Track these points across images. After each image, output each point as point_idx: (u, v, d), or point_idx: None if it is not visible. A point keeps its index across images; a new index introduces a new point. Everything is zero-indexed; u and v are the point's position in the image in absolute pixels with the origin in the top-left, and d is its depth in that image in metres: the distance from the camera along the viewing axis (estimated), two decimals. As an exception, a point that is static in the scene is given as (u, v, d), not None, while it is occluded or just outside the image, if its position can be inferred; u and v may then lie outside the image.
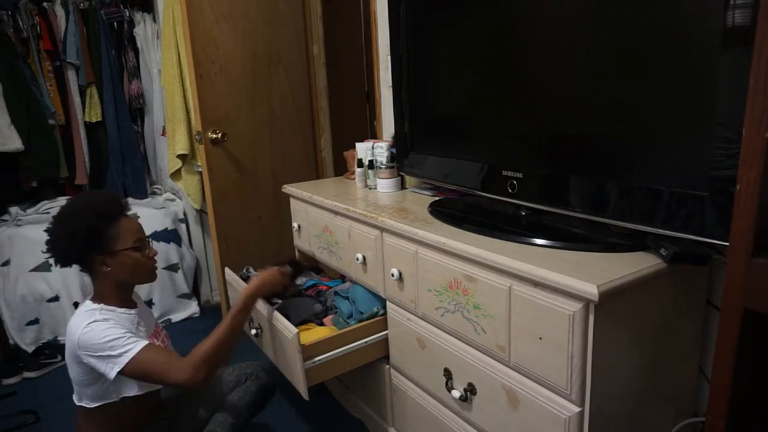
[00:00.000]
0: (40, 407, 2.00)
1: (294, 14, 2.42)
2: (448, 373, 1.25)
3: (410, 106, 1.57)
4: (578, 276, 0.89)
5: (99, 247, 1.26)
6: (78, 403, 1.30)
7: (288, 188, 1.94)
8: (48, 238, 1.27)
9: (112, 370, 1.18)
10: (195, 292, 2.90)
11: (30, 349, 2.37)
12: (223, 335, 1.28)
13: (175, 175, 2.65)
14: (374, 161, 1.74)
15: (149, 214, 2.68)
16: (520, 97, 1.19)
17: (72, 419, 1.36)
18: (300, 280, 1.89)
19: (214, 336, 1.27)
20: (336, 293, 1.70)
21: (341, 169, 2.23)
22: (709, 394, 0.64)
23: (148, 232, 2.55)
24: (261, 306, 1.56)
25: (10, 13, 2.55)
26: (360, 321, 1.50)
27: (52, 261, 1.27)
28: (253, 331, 1.64)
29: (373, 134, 2.46)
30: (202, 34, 2.11)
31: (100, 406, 1.28)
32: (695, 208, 0.87)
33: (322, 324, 1.62)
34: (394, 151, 1.70)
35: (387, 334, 1.50)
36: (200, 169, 2.46)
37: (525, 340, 1.01)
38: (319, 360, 1.41)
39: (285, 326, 1.41)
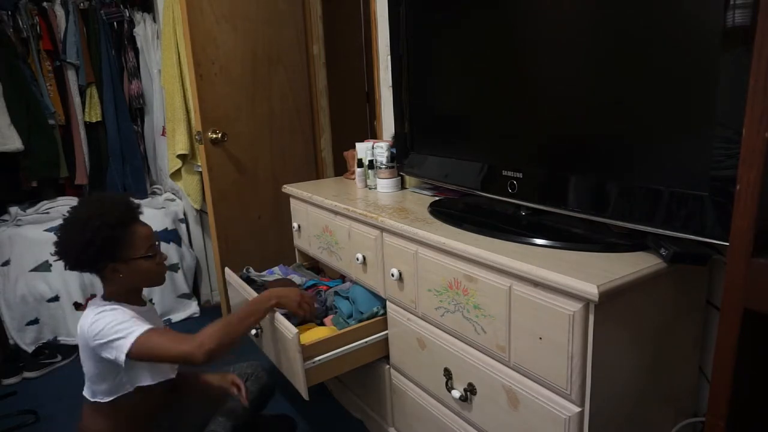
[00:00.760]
0: (40, 407, 2.00)
1: (294, 14, 2.42)
2: (448, 373, 1.25)
3: (410, 106, 1.57)
4: (578, 276, 0.89)
5: (112, 256, 1.25)
6: (92, 399, 1.30)
7: (288, 188, 1.94)
8: (58, 241, 1.25)
9: (121, 353, 1.18)
10: (195, 292, 2.90)
11: (30, 349, 2.37)
12: (234, 318, 1.32)
13: (175, 175, 2.65)
14: (374, 161, 1.74)
15: (149, 214, 2.68)
16: (520, 97, 1.19)
17: (72, 419, 1.36)
18: (300, 280, 1.89)
19: (225, 319, 1.31)
20: (336, 293, 1.70)
21: (341, 169, 2.23)
22: (709, 394, 0.64)
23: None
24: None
25: (10, 13, 2.55)
26: (360, 321, 1.50)
27: (60, 264, 1.26)
28: (253, 331, 1.64)
29: (373, 134, 2.46)
30: (202, 34, 2.11)
31: (112, 400, 1.29)
32: (695, 208, 0.87)
33: (322, 324, 1.62)
34: (394, 151, 1.70)
35: (387, 334, 1.50)
36: (200, 169, 2.46)
37: (525, 340, 1.01)
38: (319, 360, 1.41)
39: (285, 326, 1.41)
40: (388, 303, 1.46)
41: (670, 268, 0.95)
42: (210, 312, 2.83)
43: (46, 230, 2.38)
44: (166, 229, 2.69)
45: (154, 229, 2.63)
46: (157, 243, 1.36)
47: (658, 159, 0.93)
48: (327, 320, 1.63)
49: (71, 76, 2.73)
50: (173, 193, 2.95)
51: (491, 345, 1.10)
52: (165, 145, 2.78)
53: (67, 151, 2.79)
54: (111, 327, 1.20)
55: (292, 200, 1.95)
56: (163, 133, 2.83)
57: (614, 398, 0.98)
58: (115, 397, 1.29)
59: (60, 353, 2.33)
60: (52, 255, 1.27)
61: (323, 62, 2.57)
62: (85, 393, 1.32)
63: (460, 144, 1.40)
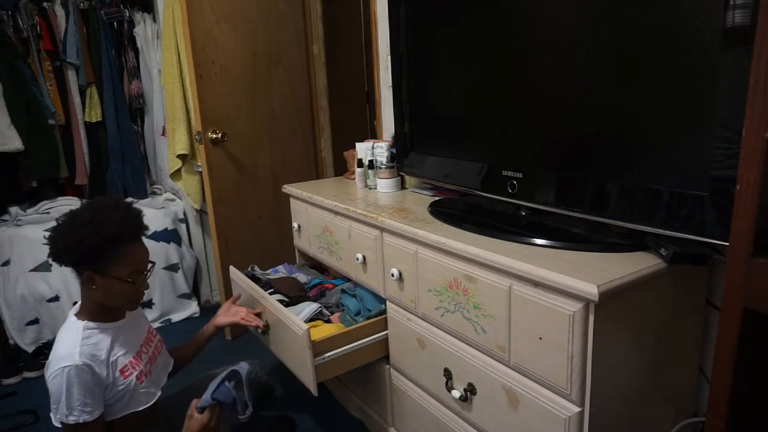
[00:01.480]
0: (40, 407, 2.00)
1: (294, 14, 2.42)
2: (448, 373, 1.25)
3: (410, 106, 1.57)
4: (578, 276, 0.89)
5: (93, 264, 1.21)
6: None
7: (288, 188, 1.94)
8: (53, 228, 1.23)
9: (54, 419, 1.19)
10: (195, 292, 2.90)
11: (30, 349, 2.37)
12: None
13: (175, 175, 2.65)
14: (374, 161, 1.74)
15: (149, 214, 2.68)
16: (520, 97, 1.19)
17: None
18: (305, 278, 1.88)
19: None
20: (343, 291, 1.70)
21: (341, 169, 2.23)
22: (709, 394, 0.64)
23: (148, 232, 2.60)
24: (269, 303, 1.56)
25: (10, 13, 2.55)
26: (368, 318, 1.50)
27: (48, 254, 1.23)
28: (259, 329, 1.64)
29: (373, 134, 2.46)
30: (202, 34, 2.11)
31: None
32: (695, 208, 0.87)
33: (329, 321, 1.62)
34: (394, 151, 1.70)
35: (387, 334, 1.50)
36: (200, 169, 2.46)
37: (525, 340, 1.01)
38: (329, 356, 1.41)
39: (294, 322, 1.41)
40: (388, 303, 1.46)
41: (670, 268, 0.95)
42: (210, 312, 2.82)
43: (46, 230, 2.37)
44: (166, 229, 2.69)
45: (154, 229, 2.66)
46: (147, 272, 1.30)
47: (658, 159, 0.93)
48: (334, 318, 1.63)
49: (71, 76, 2.73)
50: (173, 193, 2.95)
51: (491, 345, 1.10)
52: (165, 145, 2.78)
53: (67, 151, 2.79)
54: (58, 397, 1.17)
55: (292, 200, 1.95)
56: (163, 133, 2.83)
57: (614, 398, 0.98)
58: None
59: (60, 353, 2.33)
60: (43, 245, 1.24)
61: (323, 62, 2.57)
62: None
63: (460, 144, 1.40)
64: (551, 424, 0.99)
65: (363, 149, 1.79)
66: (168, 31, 2.48)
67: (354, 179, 1.87)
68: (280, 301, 1.66)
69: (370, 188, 1.78)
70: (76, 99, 2.76)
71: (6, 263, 2.38)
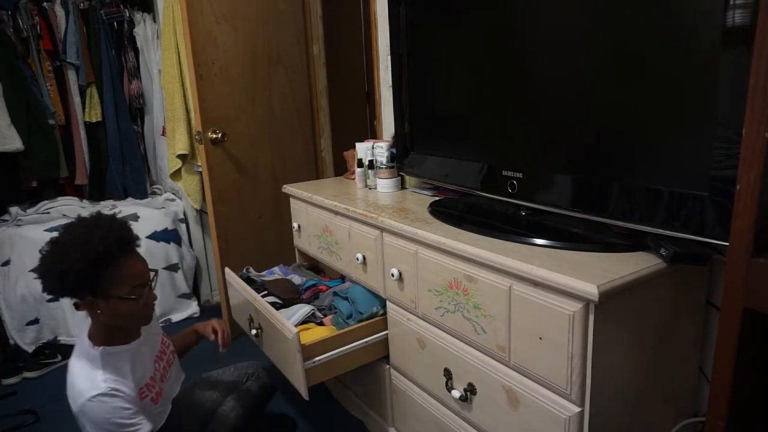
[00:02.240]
0: (40, 407, 2.00)
1: (294, 14, 2.42)
2: (448, 373, 1.25)
3: (410, 106, 1.57)
4: (578, 276, 0.89)
5: (91, 290, 1.13)
6: None
7: (288, 188, 1.94)
8: (39, 263, 1.13)
9: None
10: (195, 292, 2.90)
11: (30, 349, 2.37)
12: None
13: (175, 175, 2.65)
14: (374, 161, 1.74)
15: (149, 214, 2.68)
16: (520, 97, 1.19)
17: (72, 419, 1.36)
18: (300, 280, 1.89)
19: None
20: (335, 293, 1.70)
21: (341, 169, 2.23)
22: (709, 394, 0.64)
23: (147, 232, 2.61)
24: (261, 305, 1.56)
25: (10, 13, 2.56)
26: (360, 321, 1.50)
27: (21, 287, 1.15)
28: (254, 332, 1.64)
29: (373, 134, 2.46)
30: (202, 34, 2.11)
31: None
32: (695, 208, 0.87)
33: (321, 324, 1.62)
34: (394, 151, 1.70)
35: (387, 334, 1.50)
36: (200, 169, 2.46)
37: (525, 340, 1.01)
38: (319, 360, 1.41)
39: (285, 326, 1.41)
40: (388, 303, 1.46)
41: (670, 268, 0.95)
42: (210, 312, 2.83)
43: (46, 230, 2.38)
44: (166, 229, 2.69)
45: (154, 229, 2.66)
46: (151, 281, 1.22)
47: (658, 159, 0.93)
48: (326, 320, 1.63)
49: (71, 76, 2.73)
50: (173, 193, 2.95)
51: (491, 345, 1.10)
52: (165, 145, 2.78)
53: (67, 151, 2.79)
54: (109, 424, 1.13)
55: (292, 200, 1.95)
56: (163, 133, 2.83)
57: (614, 398, 0.98)
58: None
59: (60, 353, 2.33)
60: (31, 271, 1.17)
61: (323, 62, 2.57)
62: None
63: (460, 144, 1.40)
64: (551, 424, 0.99)
65: (363, 149, 1.79)
66: (168, 31, 2.48)
67: (354, 179, 1.87)
68: (274, 303, 1.66)
69: (370, 188, 1.78)
70: (76, 99, 2.76)
71: (6, 263, 2.38)
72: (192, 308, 2.81)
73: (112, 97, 2.80)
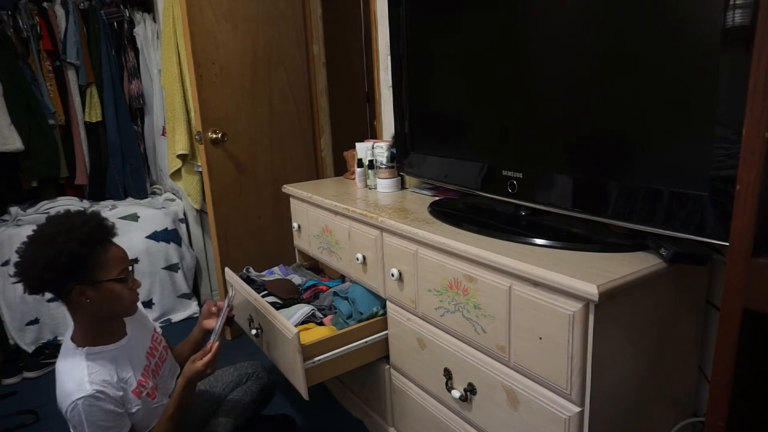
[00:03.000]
0: (40, 407, 2.01)
1: (294, 14, 2.42)
2: (448, 373, 1.25)
3: (410, 106, 1.57)
4: (578, 276, 0.89)
5: (80, 276, 1.13)
6: None
7: (288, 188, 1.94)
8: (19, 260, 1.12)
9: None
10: (195, 292, 2.90)
11: (30, 349, 2.37)
12: (170, 410, 1.27)
13: (175, 175, 2.65)
14: (374, 161, 1.74)
15: (149, 214, 2.68)
16: (520, 97, 1.19)
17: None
18: (300, 280, 1.89)
19: (165, 414, 1.27)
20: (335, 294, 1.70)
21: (341, 169, 2.23)
22: (709, 394, 0.64)
23: (147, 232, 2.61)
24: (261, 305, 1.56)
25: (10, 13, 2.56)
26: (360, 321, 1.50)
27: (22, 287, 1.14)
28: (254, 332, 1.64)
29: (373, 134, 2.46)
30: (202, 34, 2.11)
31: None
32: (695, 208, 0.87)
33: (321, 324, 1.62)
34: (394, 151, 1.70)
35: (387, 334, 1.50)
36: (200, 169, 2.46)
37: (525, 340, 1.01)
38: (319, 360, 1.41)
39: (285, 326, 1.41)
40: (388, 303, 1.46)
41: (670, 268, 0.95)
42: (210, 312, 2.82)
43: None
44: (166, 229, 2.69)
45: (154, 229, 2.66)
46: (130, 268, 1.23)
47: (658, 159, 0.93)
48: (326, 320, 1.63)
49: (71, 76, 2.73)
50: (173, 193, 2.95)
51: (491, 345, 1.10)
52: (165, 145, 2.78)
53: (67, 151, 2.79)
54: (82, 429, 1.13)
55: (292, 200, 1.95)
56: (163, 133, 2.83)
57: (614, 398, 0.98)
58: None
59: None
60: (11, 276, 1.14)
61: (323, 62, 2.57)
62: None
63: (460, 144, 1.40)
64: (551, 424, 0.99)
65: (363, 149, 1.79)
66: (168, 31, 2.48)
67: (354, 179, 1.87)
68: (274, 303, 1.66)
69: (370, 188, 1.78)
70: (76, 99, 2.76)
71: (6, 263, 2.38)
72: (192, 308, 2.81)
73: (112, 97, 2.80)
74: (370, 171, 1.76)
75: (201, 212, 2.85)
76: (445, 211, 1.36)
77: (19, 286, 1.15)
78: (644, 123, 0.94)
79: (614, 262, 0.96)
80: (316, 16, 2.50)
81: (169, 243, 2.69)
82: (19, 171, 2.65)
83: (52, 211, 2.61)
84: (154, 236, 2.64)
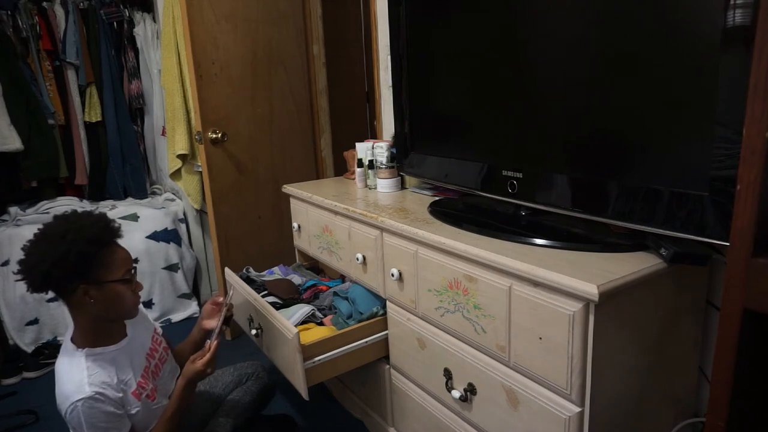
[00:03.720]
0: (40, 407, 2.00)
1: (294, 14, 2.42)
2: (448, 373, 1.25)
3: (410, 106, 1.57)
4: (578, 276, 0.89)
5: (85, 276, 1.13)
6: None
7: (288, 188, 1.94)
8: (25, 257, 1.13)
9: None
10: (195, 292, 2.90)
11: (30, 349, 2.37)
12: (170, 410, 1.27)
13: (175, 175, 2.65)
14: (374, 161, 1.74)
15: (149, 214, 2.68)
16: (520, 97, 1.19)
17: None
18: (300, 280, 1.89)
19: (165, 414, 1.27)
20: (335, 294, 1.70)
21: (341, 169, 2.23)
22: (709, 394, 0.64)
23: (147, 232, 2.61)
24: (261, 305, 1.56)
25: (9, 12, 2.56)
26: (360, 321, 1.50)
27: (25, 285, 1.14)
28: (254, 332, 1.64)
29: (373, 134, 2.46)
30: (202, 34, 2.11)
31: None
32: (695, 208, 0.87)
33: (321, 324, 1.62)
34: (394, 151, 1.70)
35: (387, 334, 1.50)
36: (200, 169, 2.46)
37: (525, 340, 1.01)
38: (319, 360, 1.41)
39: (285, 326, 1.41)
40: (388, 303, 1.46)
41: (670, 268, 0.95)
42: (210, 312, 2.82)
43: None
44: (166, 229, 2.69)
45: (154, 229, 2.66)
46: (133, 270, 1.24)
47: (658, 159, 0.93)
48: (326, 320, 1.63)
49: (71, 75, 2.73)
50: (173, 193, 2.95)
51: (491, 345, 1.10)
52: (165, 145, 2.78)
53: (67, 151, 2.79)
54: (81, 430, 1.13)
55: (292, 200, 1.95)
56: (163, 133, 2.83)
57: (614, 398, 0.98)
58: None
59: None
60: (14, 274, 1.15)
61: (323, 62, 2.57)
62: None
63: (460, 144, 1.40)
64: (551, 424, 0.99)
65: (363, 149, 1.79)
66: (168, 31, 2.48)
67: (354, 179, 1.87)
68: (273, 303, 1.66)
69: (370, 188, 1.78)
70: (76, 99, 2.76)
71: (6, 263, 2.38)
72: (192, 308, 2.81)
73: (112, 97, 2.80)
74: (370, 171, 1.76)
75: (201, 212, 2.85)
76: (445, 211, 1.36)
77: (20, 286, 1.15)
78: (644, 123, 0.94)
79: (614, 262, 0.96)
80: (316, 16, 2.50)
81: (169, 243, 2.69)
82: (18, 171, 2.65)
83: (52, 212, 2.62)
84: (154, 236, 2.64)
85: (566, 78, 1.07)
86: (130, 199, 2.94)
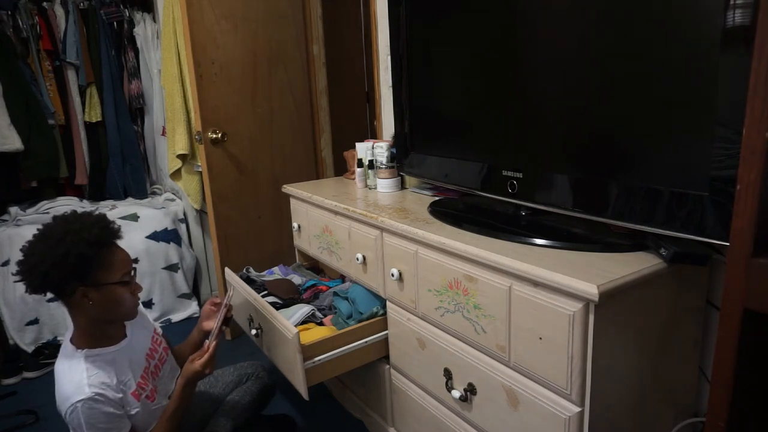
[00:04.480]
0: (40, 407, 2.00)
1: (294, 14, 2.42)
2: (448, 373, 1.25)
3: (410, 106, 1.57)
4: (578, 276, 0.89)
5: (84, 278, 1.13)
6: None
7: (288, 188, 1.94)
8: (24, 258, 1.13)
9: None
10: (195, 292, 2.90)
11: (30, 349, 2.37)
12: (170, 410, 1.27)
13: (175, 175, 2.65)
14: (374, 161, 1.74)
15: (149, 214, 2.68)
16: (521, 97, 1.19)
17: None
18: (300, 280, 1.89)
19: (165, 413, 1.27)
20: (335, 293, 1.70)
21: (341, 169, 2.23)
22: (709, 394, 0.64)
23: (147, 232, 2.61)
24: (261, 305, 1.56)
25: (9, 13, 2.56)
26: (360, 321, 1.50)
27: (23, 285, 1.14)
28: (254, 332, 1.64)
29: (373, 134, 2.46)
30: (202, 34, 2.11)
31: None
32: (695, 208, 0.87)
33: (321, 324, 1.62)
34: (394, 151, 1.70)
35: (387, 334, 1.50)
36: (200, 169, 2.46)
37: (525, 340, 1.01)
38: (319, 360, 1.41)
39: (285, 326, 1.41)
40: (388, 303, 1.46)
41: (670, 268, 0.95)
42: (210, 312, 2.82)
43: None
44: (166, 229, 2.69)
45: (154, 229, 2.66)
46: (133, 272, 1.23)
47: (658, 159, 0.93)
48: (326, 320, 1.63)
49: (71, 75, 2.73)
50: (173, 193, 2.95)
51: (491, 345, 1.10)
52: (165, 145, 2.78)
53: (67, 151, 2.79)
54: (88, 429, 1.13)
55: (292, 200, 1.95)
56: (163, 133, 2.83)
57: (614, 398, 0.98)
58: None
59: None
60: (13, 275, 1.14)
61: (323, 62, 2.57)
62: None
63: (461, 144, 1.40)
64: (551, 424, 0.99)
65: (363, 149, 1.79)
66: (168, 31, 2.48)
67: (354, 179, 1.87)
68: (273, 303, 1.66)
69: (370, 188, 1.78)
70: (76, 99, 2.76)
71: (6, 263, 2.38)
72: (192, 308, 2.81)
73: (112, 97, 2.80)
74: (370, 171, 1.76)
75: (201, 212, 2.85)
76: (445, 211, 1.36)
77: (19, 286, 1.15)
78: (644, 123, 0.94)
79: (614, 262, 0.96)
80: (316, 16, 2.50)
81: (169, 243, 2.69)
82: (18, 171, 2.65)
83: (52, 212, 2.62)
84: (154, 236, 2.64)
85: (566, 78, 1.07)
86: (130, 199, 2.94)
